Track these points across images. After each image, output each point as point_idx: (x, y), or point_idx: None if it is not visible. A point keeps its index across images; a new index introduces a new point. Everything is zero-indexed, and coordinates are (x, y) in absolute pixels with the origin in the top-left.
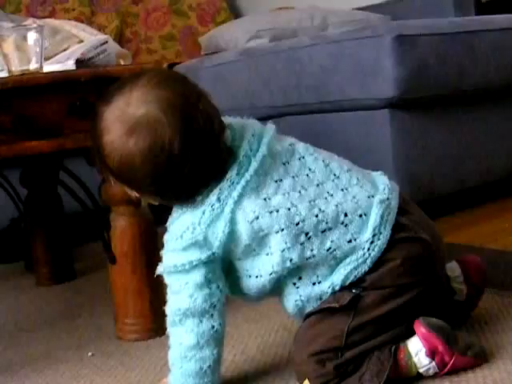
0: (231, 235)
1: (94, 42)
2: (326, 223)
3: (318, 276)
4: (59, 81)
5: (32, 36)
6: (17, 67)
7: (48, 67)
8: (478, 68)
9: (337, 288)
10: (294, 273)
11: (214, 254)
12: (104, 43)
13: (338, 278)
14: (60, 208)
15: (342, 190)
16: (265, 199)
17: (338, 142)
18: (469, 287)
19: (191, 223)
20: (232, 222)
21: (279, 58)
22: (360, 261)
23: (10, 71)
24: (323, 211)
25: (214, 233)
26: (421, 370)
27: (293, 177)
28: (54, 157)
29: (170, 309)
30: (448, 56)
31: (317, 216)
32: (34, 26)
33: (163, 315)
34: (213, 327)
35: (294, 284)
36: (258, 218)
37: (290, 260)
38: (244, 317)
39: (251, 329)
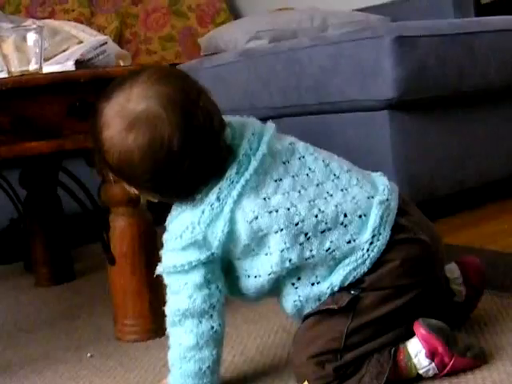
0: (230, 235)
1: (93, 42)
2: (326, 224)
3: (316, 276)
4: (59, 81)
5: (31, 37)
6: (16, 68)
7: (47, 68)
8: (478, 69)
9: (336, 289)
10: (292, 273)
11: (213, 254)
12: (103, 44)
13: (337, 278)
14: (59, 209)
15: (342, 190)
16: (264, 199)
17: (338, 143)
18: (468, 289)
19: (191, 223)
20: (231, 221)
21: (279, 58)
22: (359, 261)
23: (9, 72)
24: (323, 211)
25: (213, 232)
26: (420, 372)
27: (293, 176)
28: (53, 158)
29: (169, 309)
30: (448, 57)
31: (316, 216)
32: (34, 26)
33: (162, 316)
34: (212, 328)
35: (293, 284)
36: (257, 217)
37: (289, 260)
38: (243, 318)
39: (250, 330)
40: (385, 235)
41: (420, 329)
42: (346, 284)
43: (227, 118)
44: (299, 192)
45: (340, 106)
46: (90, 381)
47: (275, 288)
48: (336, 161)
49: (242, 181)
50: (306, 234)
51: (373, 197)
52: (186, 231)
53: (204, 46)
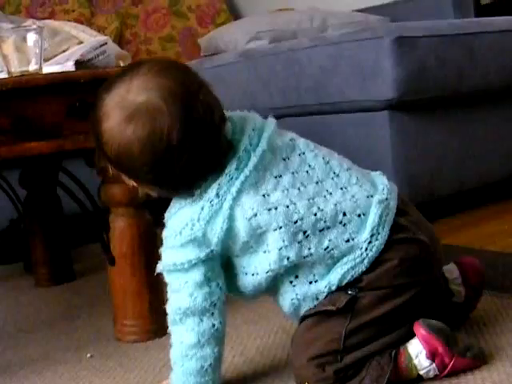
0: (229, 232)
1: (93, 43)
2: (325, 222)
3: (314, 275)
4: (59, 82)
5: (31, 37)
6: (16, 68)
7: (47, 68)
8: (478, 70)
9: (333, 288)
10: (290, 271)
11: (212, 251)
12: (103, 44)
13: (334, 277)
14: (59, 209)
15: (342, 188)
16: (264, 195)
17: (338, 144)
18: (467, 289)
19: (190, 219)
20: (230, 218)
21: (279, 59)
22: (357, 260)
23: (9, 72)
24: (322, 210)
25: (212, 229)
26: (421, 372)
27: (292, 173)
28: (53, 158)
29: (170, 307)
30: (447, 58)
31: (315, 215)
32: (34, 27)
33: (162, 316)
34: (213, 326)
35: (291, 282)
36: (256, 215)
37: (287, 258)
38: (243, 318)
39: (250, 330)
40: (383, 235)
41: (420, 329)
42: (344, 283)
43: (228, 113)
44: (299, 189)
45: (340, 106)
46: (89, 381)
47: (273, 286)
48: (336, 159)
49: (242, 177)
50: (304, 232)
51: (372, 196)
52: (186, 228)
53: (204, 47)
